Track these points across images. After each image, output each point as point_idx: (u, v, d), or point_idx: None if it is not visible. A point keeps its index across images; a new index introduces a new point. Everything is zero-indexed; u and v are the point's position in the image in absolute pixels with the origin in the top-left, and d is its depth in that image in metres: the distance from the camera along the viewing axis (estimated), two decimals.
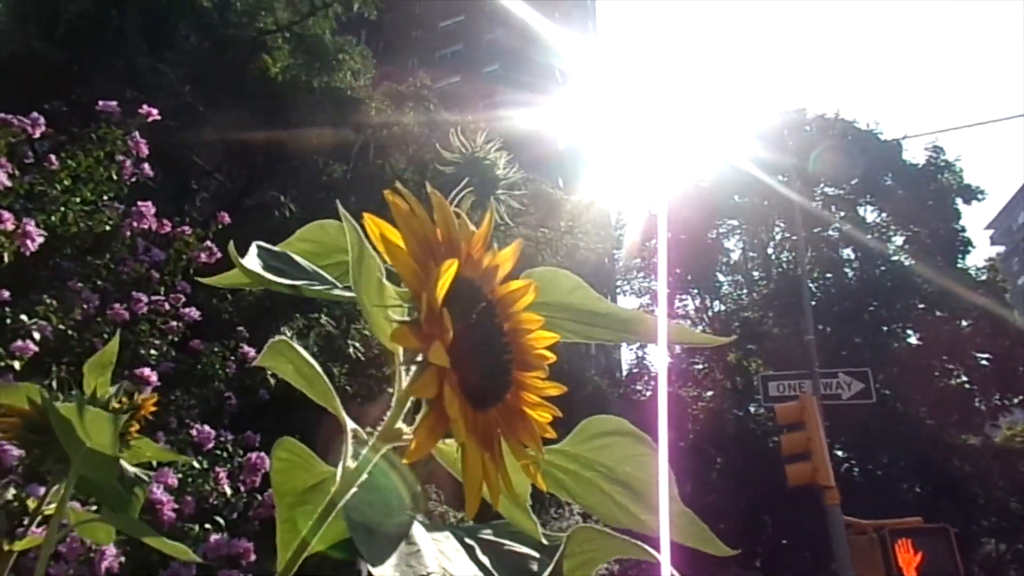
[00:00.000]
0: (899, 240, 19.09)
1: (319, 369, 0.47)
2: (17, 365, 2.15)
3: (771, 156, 16.78)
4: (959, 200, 18.89)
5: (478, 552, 0.55)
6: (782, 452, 7.55)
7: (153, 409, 1.19)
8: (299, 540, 0.84)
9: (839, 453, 17.42)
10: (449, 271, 0.35)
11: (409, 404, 0.41)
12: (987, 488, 16.38)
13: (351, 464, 0.42)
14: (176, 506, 2.38)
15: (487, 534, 0.59)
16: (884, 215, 19.51)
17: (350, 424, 0.44)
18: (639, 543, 0.42)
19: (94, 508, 1.99)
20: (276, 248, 0.74)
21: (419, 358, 0.36)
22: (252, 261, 0.65)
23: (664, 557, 0.74)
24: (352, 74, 9.58)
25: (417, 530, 0.53)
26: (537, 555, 0.65)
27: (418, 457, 0.36)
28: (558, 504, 11.78)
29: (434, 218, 0.38)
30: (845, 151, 18.10)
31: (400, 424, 0.41)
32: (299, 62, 9.01)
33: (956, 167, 19.05)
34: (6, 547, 0.94)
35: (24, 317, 2.19)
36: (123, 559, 2.29)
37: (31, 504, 1.02)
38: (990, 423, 17.64)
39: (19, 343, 2.12)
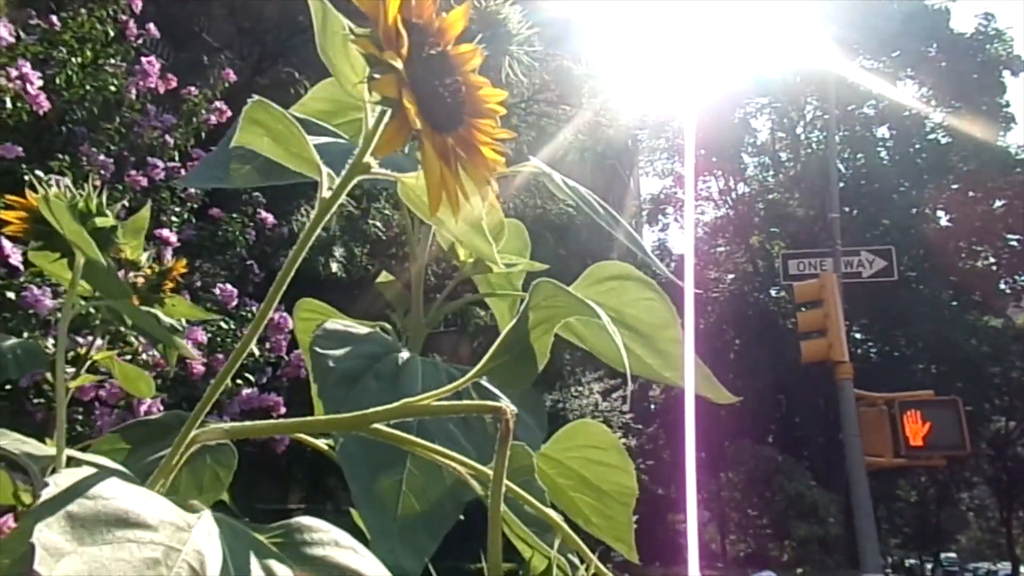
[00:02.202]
0: (938, 116, 18.26)
1: (297, 126, 0.47)
2: None
3: (809, 27, 15.78)
4: (1007, 72, 17.85)
5: (448, 373, 0.58)
6: (798, 329, 7.64)
7: (183, 271, 1.23)
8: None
9: (857, 335, 17.60)
10: None
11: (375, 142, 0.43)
12: (1004, 368, 16.57)
13: (327, 194, 0.45)
14: (205, 362, 2.50)
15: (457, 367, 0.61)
16: (925, 89, 18.56)
17: (325, 169, 0.47)
18: (595, 306, 0.44)
19: (129, 358, 2.09)
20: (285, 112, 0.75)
21: (378, 75, 0.39)
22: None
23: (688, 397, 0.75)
24: None
25: (407, 366, 0.56)
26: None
27: (386, 151, 0.40)
28: (577, 381, 12.18)
29: None
30: (889, 19, 16.97)
31: (368, 158, 0.44)
32: None
33: (1007, 36, 17.85)
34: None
35: (39, 173, 2.21)
36: (161, 407, 2.44)
37: (79, 351, 1.07)
38: (1013, 305, 17.57)
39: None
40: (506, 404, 0.59)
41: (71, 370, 1.13)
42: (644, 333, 0.74)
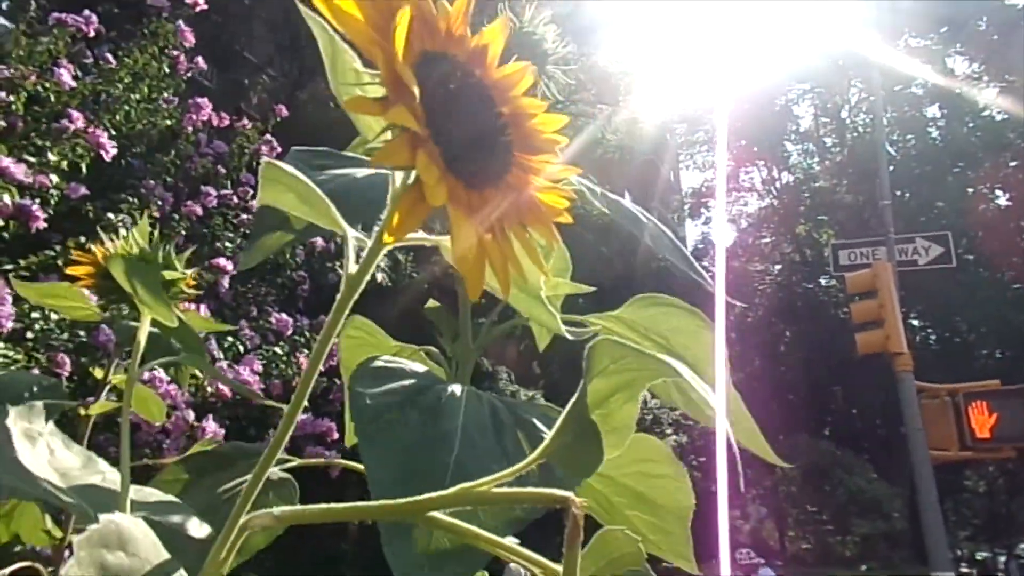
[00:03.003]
0: (991, 93, 17.53)
1: (315, 187, 0.45)
2: None
3: (848, 6, 15.35)
4: None
5: (505, 424, 0.55)
6: (853, 321, 7.43)
7: (194, 284, 1.23)
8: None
9: (914, 322, 17.03)
10: (404, 15, 0.31)
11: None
12: None
13: (353, 269, 0.41)
14: (263, 386, 2.57)
15: (530, 413, 0.58)
16: (976, 65, 17.85)
17: (351, 232, 0.43)
18: (679, 365, 0.38)
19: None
20: (317, 149, 0.73)
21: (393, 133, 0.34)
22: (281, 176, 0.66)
23: (720, 439, 0.74)
24: None
25: (449, 400, 0.54)
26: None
27: (398, 236, 0.34)
28: (663, 434, 12.03)
29: None
30: None
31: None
32: None
33: None
34: (82, 411, 1.03)
35: (110, 215, 2.31)
36: (224, 432, 2.52)
37: (98, 374, 1.10)
38: None
39: (109, 243, 2.25)
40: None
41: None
42: (691, 363, 0.73)
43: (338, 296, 0.41)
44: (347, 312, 0.41)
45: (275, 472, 0.79)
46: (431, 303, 1.28)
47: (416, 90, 0.32)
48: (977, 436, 6.57)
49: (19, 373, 0.82)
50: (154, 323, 0.81)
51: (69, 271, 0.69)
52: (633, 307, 0.77)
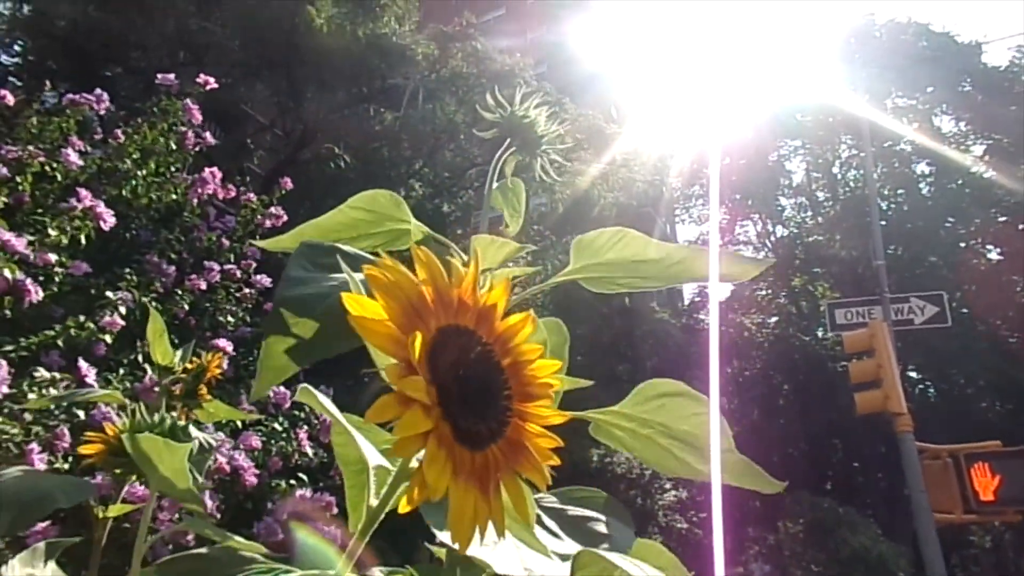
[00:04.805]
0: (978, 150, 17.90)
1: (341, 417, 0.51)
2: (108, 339, 2.30)
3: (837, 68, 15.81)
4: None
5: (544, 517, 0.60)
6: (851, 380, 7.42)
7: (219, 371, 1.25)
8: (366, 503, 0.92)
9: (912, 375, 16.98)
10: (416, 343, 0.35)
11: None
12: None
13: (374, 503, 0.44)
14: (257, 472, 2.54)
15: (551, 502, 0.64)
16: (962, 124, 18.27)
17: (372, 461, 0.46)
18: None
19: None
20: (326, 244, 0.78)
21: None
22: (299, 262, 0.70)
23: (716, 496, 0.77)
24: (396, 19, 9.45)
25: None
26: (600, 517, 0.69)
27: (413, 506, 0.36)
28: (662, 489, 11.85)
29: (419, 278, 0.37)
30: (919, 57, 16.89)
31: (415, 463, 0.40)
32: (343, 11, 8.93)
33: None
34: (100, 514, 1.04)
35: (109, 294, 2.33)
36: (222, 506, 2.48)
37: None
38: None
39: (108, 318, 2.27)
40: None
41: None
42: (696, 445, 0.76)
43: (360, 524, 0.44)
44: (367, 539, 0.44)
45: None
46: None
47: (432, 405, 0.34)
48: (981, 499, 6.48)
49: (46, 475, 0.83)
50: (161, 484, 0.81)
51: (81, 451, 0.70)
52: (636, 398, 0.80)
